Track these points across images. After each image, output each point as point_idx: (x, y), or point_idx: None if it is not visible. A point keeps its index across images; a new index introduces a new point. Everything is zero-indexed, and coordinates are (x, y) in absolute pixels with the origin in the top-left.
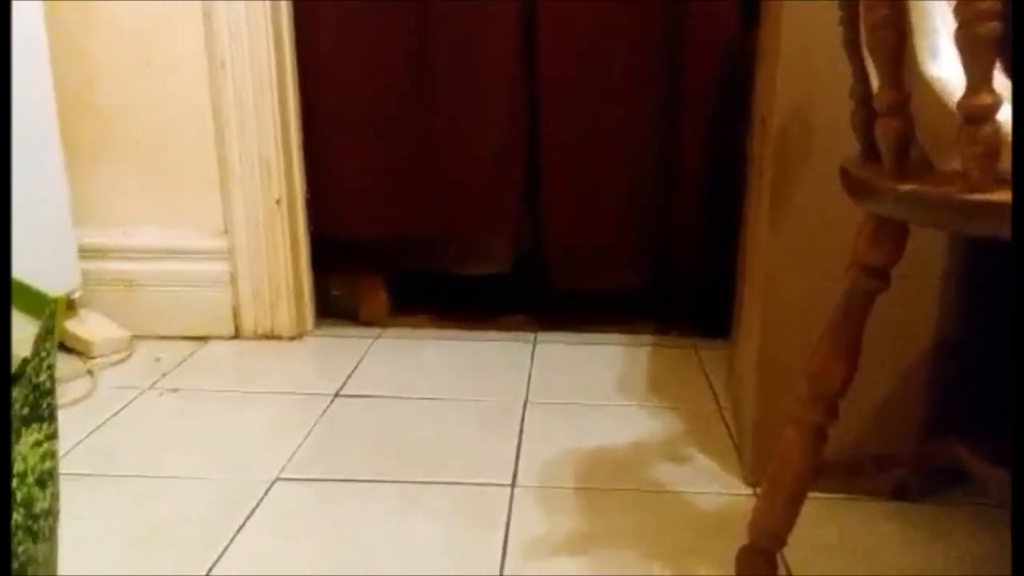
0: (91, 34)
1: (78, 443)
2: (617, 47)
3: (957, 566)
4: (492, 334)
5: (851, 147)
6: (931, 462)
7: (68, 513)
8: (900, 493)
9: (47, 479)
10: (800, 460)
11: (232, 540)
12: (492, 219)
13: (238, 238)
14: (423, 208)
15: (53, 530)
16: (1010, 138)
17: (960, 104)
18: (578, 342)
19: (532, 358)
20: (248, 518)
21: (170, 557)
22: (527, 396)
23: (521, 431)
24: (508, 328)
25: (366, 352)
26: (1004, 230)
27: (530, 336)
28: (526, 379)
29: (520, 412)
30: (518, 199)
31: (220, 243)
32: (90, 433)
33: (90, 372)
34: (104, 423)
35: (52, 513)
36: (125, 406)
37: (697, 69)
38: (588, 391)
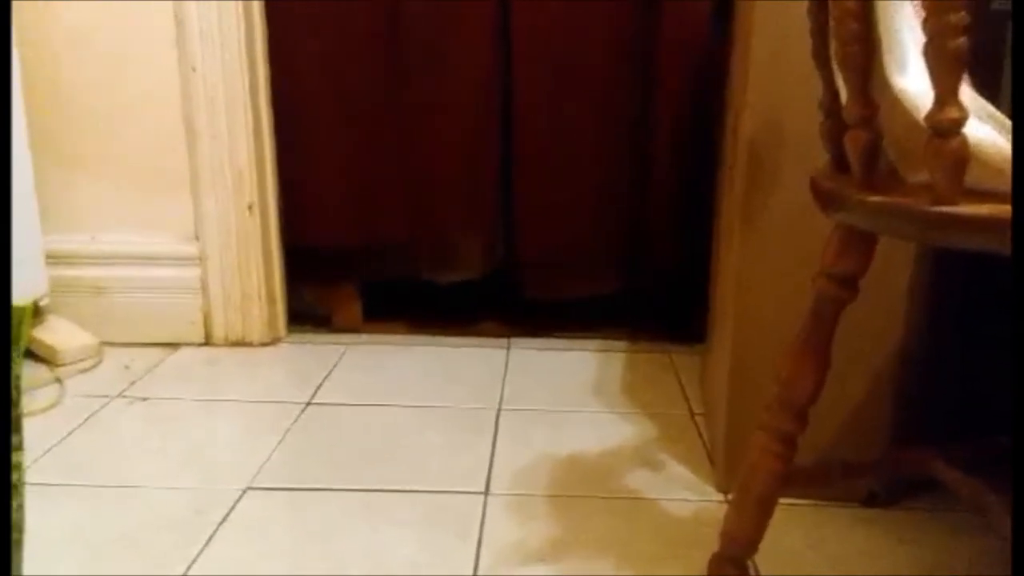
0: (61, 37)
1: (46, 452)
2: (591, 54)
3: (926, 572)
4: (465, 341)
5: (821, 157)
6: (900, 469)
7: (36, 523)
8: (869, 500)
9: (12, 491)
10: (770, 468)
11: (202, 550)
12: (466, 224)
13: (209, 244)
14: (397, 213)
15: (19, 543)
16: (977, 150)
17: (928, 117)
18: (552, 348)
19: (506, 364)
20: (218, 527)
21: (139, 567)
22: (500, 403)
23: (495, 438)
24: (481, 335)
25: (339, 359)
26: (970, 241)
27: (503, 342)
28: (500, 386)
29: (494, 419)
30: (492, 204)
31: (191, 249)
32: (58, 442)
33: (58, 380)
34: (72, 432)
35: (17, 526)
36: (93, 414)
37: (670, 73)
38: (562, 397)
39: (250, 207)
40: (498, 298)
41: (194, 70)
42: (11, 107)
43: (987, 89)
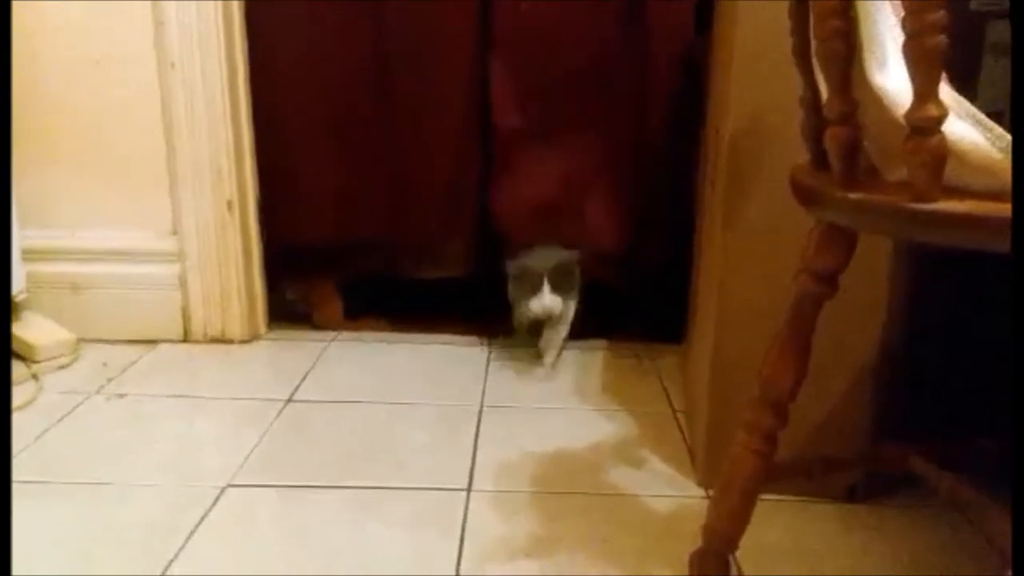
0: (39, 31)
1: (23, 449)
2: (572, 56)
3: (906, 566)
4: (447, 338)
5: (803, 155)
6: (880, 465)
7: (12, 521)
8: (849, 495)
9: None
10: (751, 464)
11: (182, 547)
12: (449, 222)
13: (188, 240)
14: (378, 212)
15: None
16: (956, 148)
17: (907, 115)
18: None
19: (487, 362)
20: (198, 524)
21: (118, 565)
22: (483, 400)
23: (477, 435)
24: (463, 332)
25: (320, 356)
26: (949, 238)
27: (485, 340)
28: (482, 383)
29: (476, 416)
30: (475, 202)
31: (169, 245)
32: (35, 439)
33: (34, 376)
34: (49, 429)
35: None
36: (71, 411)
37: (653, 74)
38: (543, 395)
39: (229, 204)
40: (481, 295)
41: (173, 66)
42: (11, 108)
43: (963, 90)
